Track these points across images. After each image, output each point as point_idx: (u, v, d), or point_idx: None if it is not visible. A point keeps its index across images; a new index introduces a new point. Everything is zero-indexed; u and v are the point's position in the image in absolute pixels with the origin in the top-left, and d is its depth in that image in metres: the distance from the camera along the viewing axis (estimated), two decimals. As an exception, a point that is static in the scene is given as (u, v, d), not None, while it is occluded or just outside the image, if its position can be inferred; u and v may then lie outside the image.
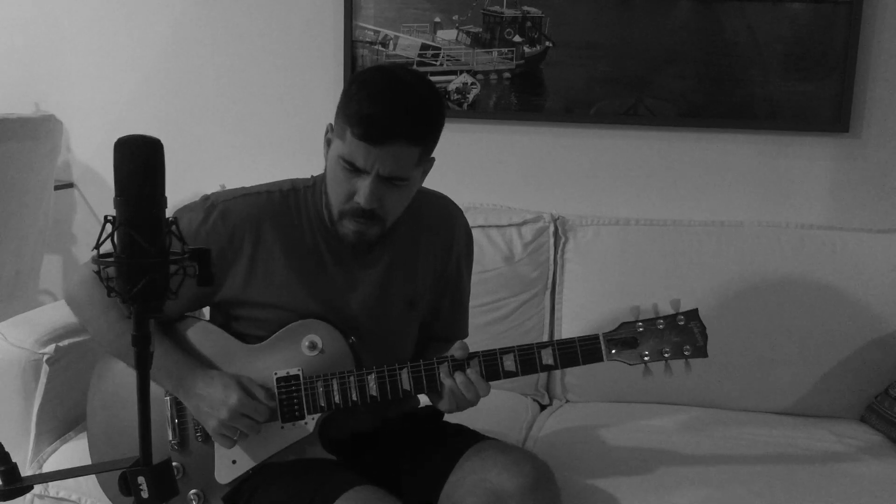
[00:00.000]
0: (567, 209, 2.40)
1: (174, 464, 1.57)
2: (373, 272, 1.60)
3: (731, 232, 2.25)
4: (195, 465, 1.57)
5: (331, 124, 1.51)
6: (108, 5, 2.73)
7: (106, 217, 0.94)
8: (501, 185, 2.54)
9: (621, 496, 1.68)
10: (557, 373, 2.26)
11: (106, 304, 1.55)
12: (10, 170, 2.54)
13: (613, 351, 1.52)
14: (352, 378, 1.52)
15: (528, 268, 2.30)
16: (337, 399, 1.52)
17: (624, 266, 2.24)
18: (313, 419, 1.53)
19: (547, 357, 1.51)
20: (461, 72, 2.52)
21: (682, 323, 1.52)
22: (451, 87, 2.53)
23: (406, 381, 1.52)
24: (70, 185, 2.86)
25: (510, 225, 2.33)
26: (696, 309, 1.53)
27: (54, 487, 1.89)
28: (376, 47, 2.55)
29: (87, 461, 1.71)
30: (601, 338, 1.52)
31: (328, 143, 1.52)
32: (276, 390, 1.53)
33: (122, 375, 1.64)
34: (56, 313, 1.98)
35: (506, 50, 2.48)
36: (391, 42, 2.53)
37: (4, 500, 1.06)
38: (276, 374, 1.53)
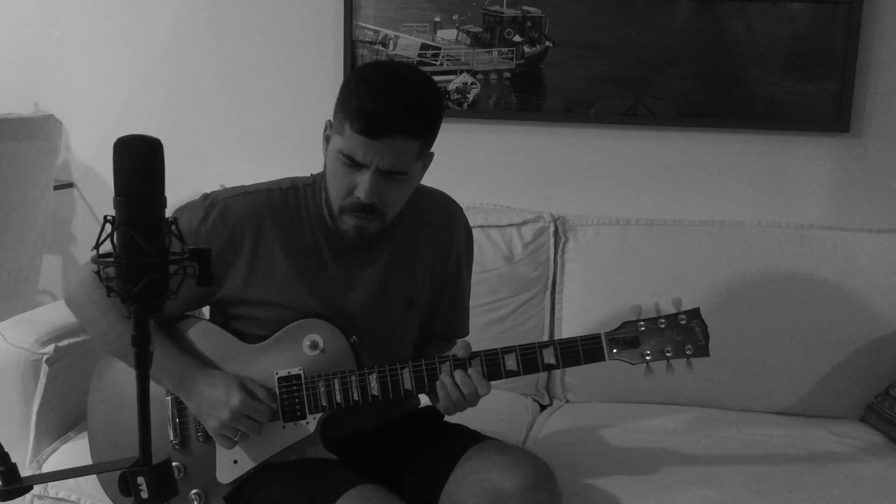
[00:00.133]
0: (567, 209, 2.40)
1: (175, 464, 1.57)
2: (372, 270, 1.60)
3: (731, 232, 2.25)
4: (196, 464, 1.57)
5: (329, 121, 1.51)
6: (108, 5, 2.73)
7: (106, 217, 0.94)
8: (501, 185, 2.54)
9: (621, 496, 1.68)
10: (557, 373, 2.26)
11: (106, 305, 1.55)
12: (10, 170, 2.54)
13: (615, 350, 1.52)
14: (353, 377, 1.52)
15: (528, 268, 2.30)
16: (338, 398, 1.51)
17: (624, 266, 2.24)
18: (315, 419, 1.53)
19: (549, 356, 1.51)
20: (461, 71, 2.52)
21: (683, 322, 1.52)
22: (451, 86, 2.52)
23: (408, 381, 1.52)
24: (70, 185, 2.86)
25: (510, 225, 2.33)
26: (698, 308, 1.53)
27: (54, 488, 1.89)
28: (376, 47, 2.55)
29: (87, 461, 1.71)
30: (603, 337, 1.52)
31: (327, 139, 1.52)
32: (277, 390, 1.53)
33: (123, 375, 1.64)
34: (56, 313, 1.98)
35: (506, 50, 2.48)
36: (391, 42, 2.53)
37: (4, 501, 1.05)
38: (277, 373, 1.53)
